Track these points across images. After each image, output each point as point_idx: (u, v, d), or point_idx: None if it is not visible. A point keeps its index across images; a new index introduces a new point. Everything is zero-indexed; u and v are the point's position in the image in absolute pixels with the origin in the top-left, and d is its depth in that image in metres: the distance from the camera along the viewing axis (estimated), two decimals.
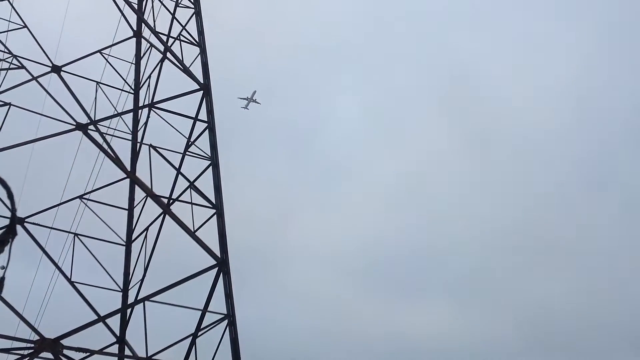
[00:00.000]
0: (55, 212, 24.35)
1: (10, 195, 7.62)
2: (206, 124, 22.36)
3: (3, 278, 8.60)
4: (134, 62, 27.43)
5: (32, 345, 17.34)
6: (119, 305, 23.16)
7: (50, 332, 17.87)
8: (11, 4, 24.96)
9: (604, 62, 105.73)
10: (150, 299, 18.70)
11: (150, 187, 21.15)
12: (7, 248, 7.86)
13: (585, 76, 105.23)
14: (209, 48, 24.02)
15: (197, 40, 24.01)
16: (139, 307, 19.33)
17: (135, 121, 26.34)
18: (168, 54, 23.42)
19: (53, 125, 22.10)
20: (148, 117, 24.43)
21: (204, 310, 18.85)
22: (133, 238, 24.77)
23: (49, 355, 17.23)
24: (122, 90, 26.86)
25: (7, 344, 18.01)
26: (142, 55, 27.34)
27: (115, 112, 24.55)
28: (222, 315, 18.95)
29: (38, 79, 22.75)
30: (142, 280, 21.24)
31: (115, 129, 25.74)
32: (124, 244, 24.90)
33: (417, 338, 78.70)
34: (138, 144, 25.33)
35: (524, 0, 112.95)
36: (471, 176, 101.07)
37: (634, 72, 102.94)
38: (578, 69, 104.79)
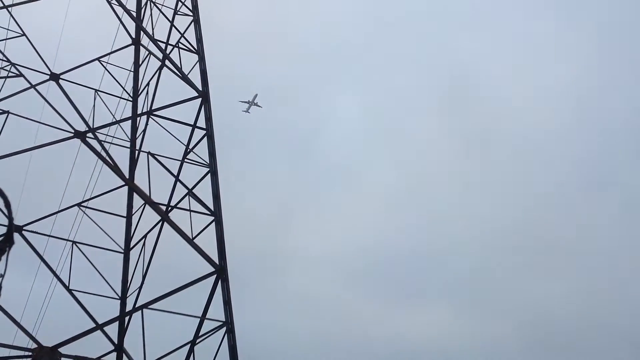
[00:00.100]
0: (54, 220, 24.33)
1: (7, 204, 7.62)
2: (205, 131, 22.37)
3: (0, 286, 8.58)
4: (132, 70, 27.48)
5: (30, 353, 17.31)
6: (117, 313, 23.10)
7: (48, 340, 17.84)
8: (10, 12, 25.02)
9: (603, 62, 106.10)
10: (149, 307, 18.66)
11: (148, 194, 21.14)
12: (4, 256, 7.85)
13: (585, 77, 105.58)
14: (209, 52, 24.10)
15: (196, 47, 24.06)
16: (137, 315, 19.29)
17: (134, 129, 26.37)
18: (167, 62, 23.46)
19: (51, 133, 22.13)
20: (146, 124, 24.44)
21: (203, 317, 18.80)
22: (131, 245, 24.74)
23: None
24: (120, 97, 26.91)
25: (5, 352, 17.97)
26: (140, 62, 27.40)
27: (114, 120, 24.59)
28: (221, 323, 18.90)
29: (36, 87, 22.79)
30: (140, 287, 21.19)
31: (113, 137, 25.78)
32: (122, 251, 24.87)
33: (417, 339, 78.65)
34: (136, 152, 25.33)
35: (523, 0, 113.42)
36: (471, 176, 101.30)
37: (633, 72, 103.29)
38: (578, 70, 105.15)
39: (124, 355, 22.06)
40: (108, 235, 24.46)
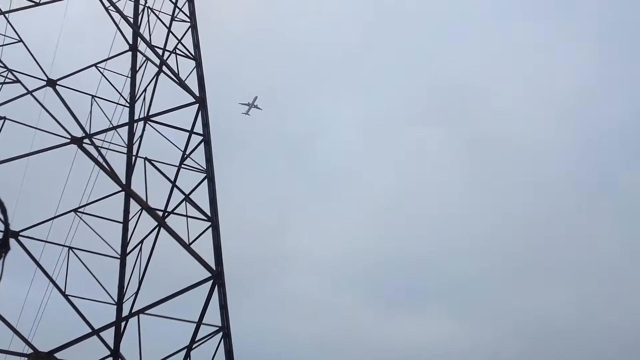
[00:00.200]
0: (50, 226, 24.34)
1: (3, 210, 7.66)
2: (202, 137, 22.43)
3: None
4: (129, 76, 27.55)
5: (26, 358, 17.27)
6: (113, 319, 23.08)
7: (44, 346, 17.80)
8: (6, 19, 25.09)
9: (600, 69, 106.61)
10: (145, 312, 18.65)
11: (145, 200, 21.17)
12: (0, 262, 7.88)
13: (581, 83, 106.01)
14: (207, 56, 24.17)
15: (193, 53, 24.13)
16: (133, 320, 19.28)
17: (131, 134, 26.41)
18: (164, 67, 23.53)
19: (48, 139, 22.16)
20: (143, 130, 24.52)
21: (199, 322, 18.80)
22: (128, 251, 24.74)
23: None
24: (117, 103, 26.96)
25: (1, 357, 17.93)
26: (137, 68, 27.46)
27: (111, 126, 24.63)
28: (217, 328, 18.91)
29: (33, 93, 22.83)
30: (136, 293, 21.19)
31: (110, 142, 25.81)
32: (119, 257, 24.88)
33: (415, 343, 78.64)
34: (133, 157, 25.37)
35: (520, 8, 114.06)
36: (469, 181, 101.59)
37: (630, 81, 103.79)
38: (574, 76, 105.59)
39: None
40: (104, 241, 24.48)
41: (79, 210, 24.94)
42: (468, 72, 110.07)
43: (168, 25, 24.42)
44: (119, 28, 26.66)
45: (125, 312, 23.26)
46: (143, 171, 21.89)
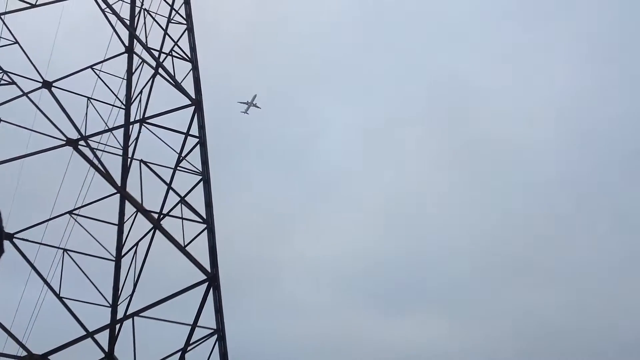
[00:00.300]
0: (45, 228, 24.29)
1: None
2: (198, 139, 22.42)
3: None
4: (125, 78, 27.52)
5: None
6: (108, 321, 23.02)
7: (38, 348, 17.77)
8: (2, 20, 25.05)
9: (598, 71, 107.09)
10: (140, 314, 18.62)
11: (140, 202, 21.14)
12: None
13: (580, 85, 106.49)
14: (205, 58, 24.20)
15: (190, 55, 24.14)
16: (128, 323, 19.24)
17: (126, 136, 26.37)
18: (160, 70, 23.52)
19: (44, 141, 22.13)
20: (139, 132, 24.48)
21: (194, 325, 18.77)
22: (123, 253, 24.69)
23: None
24: (113, 105, 26.93)
25: None
26: (133, 70, 27.45)
27: (107, 128, 24.61)
28: (212, 330, 18.88)
29: (29, 95, 22.80)
30: (131, 295, 21.14)
31: (106, 144, 25.78)
32: (114, 259, 24.82)
33: (411, 345, 78.64)
34: (129, 159, 25.34)
35: (515, 14, 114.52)
36: (468, 184, 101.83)
37: (629, 81, 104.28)
38: (572, 79, 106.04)
39: None
40: (99, 243, 24.43)
41: (74, 212, 24.88)
42: (468, 72, 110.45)
43: (164, 28, 24.42)
44: (115, 30, 26.66)
45: (120, 315, 23.20)
46: (139, 173, 21.87)
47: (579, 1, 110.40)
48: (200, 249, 20.15)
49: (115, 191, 23.13)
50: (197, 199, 21.46)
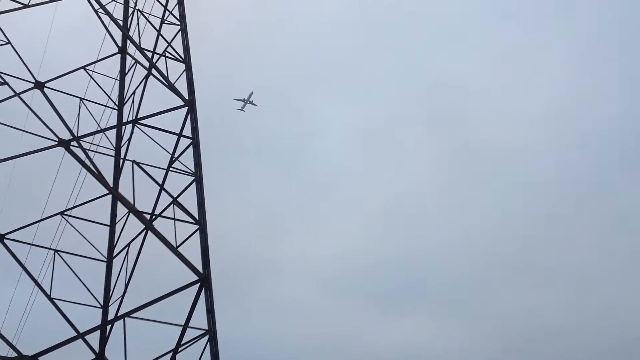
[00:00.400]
0: (36, 229, 24.16)
1: None
2: (191, 140, 22.37)
3: None
4: (118, 78, 27.46)
5: None
6: (99, 322, 22.91)
7: (28, 349, 17.64)
8: None
9: (593, 77, 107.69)
10: (131, 315, 18.53)
11: (133, 203, 21.06)
12: None
13: (574, 90, 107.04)
14: (204, 59, 24.16)
15: (183, 56, 24.10)
16: (119, 324, 19.14)
17: (119, 137, 26.30)
18: (153, 70, 23.48)
19: (35, 141, 22.03)
20: (132, 133, 24.40)
21: (185, 325, 18.70)
22: (114, 254, 24.59)
23: None
24: (105, 106, 26.84)
25: None
26: (126, 71, 27.39)
27: (99, 128, 24.52)
28: (204, 331, 18.82)
29: (21, 95, 22.70)
30: (122, 296, 21.04)
31: (98, 145, 25.70)
32: (105, 260, 24.72)
33: (402, 346, 78.62)
34: (121, 160, 25.26)
35: (515, 13, 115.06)
36: (463, 188, 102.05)
37: (623, 86, 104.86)
38: (571, 79, 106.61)
39: None
40: (91, 244, 24.32)
41: (65, 213, 24.77)
42: (468, 72, 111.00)
43: (158, 28, 24.38)
44: (108, 30, 26.61)
45: (111, 316, 23.09)
46: (131, 174, 21.79)
47: (579, 1, 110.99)
48: (193, 250, 20.12)
49: (107, 192, 23.04)
50: (189, 200, 21.43)
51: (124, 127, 25.90)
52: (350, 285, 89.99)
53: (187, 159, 22.19)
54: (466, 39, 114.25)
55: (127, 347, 19.14)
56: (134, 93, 25.39)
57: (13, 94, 22.68)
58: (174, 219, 20.73)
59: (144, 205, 21.32)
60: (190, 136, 22.47)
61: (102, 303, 23.70)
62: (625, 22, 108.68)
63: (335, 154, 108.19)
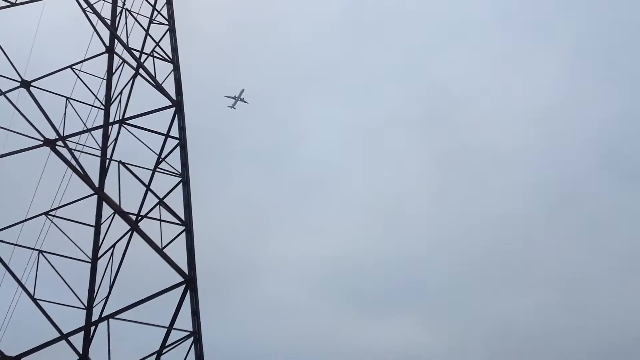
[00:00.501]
0: (20, 229, 23.96)
1: None
2: (178, 141, 22.29)
3: None
4: (105, 78, 27.30)
5: None
6: (83, 323, 22.72)
7: (11, 350, 17.46)
8: None
9: (570, 86, 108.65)
10: (115, 317, 18.40)
11: (118, 203, 20.93)
12: None
13: (574, 90, 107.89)
14: (193, 60, 24.09)
15: (171, 56, 24.02)
16: (103, 325, 19.01)
17: (105, 137, 26.14)
18: (140, 70, 23.37)
19: (21, 141, 21.84)
20: (118, 133, 24.28)
21: (170, 327, 18.60)
22: (99, 255, 24.42)
23: None
24: (92, 106, 26.67)
25: None
26: (114, 71, 27.24)
27: (85, 128, 24.34)
28: (188, 333, 18.72)
29: (6, 94, 22.50)
30: (107, 297, 20.90)
31: (84, 145, 25.52)
32: (90, 261, 24.53)
33: (389, 347, 78.75)
34: (107, 160, 25.11)
35: (510, 19, 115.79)
36: (445, 190, 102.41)
37: (617, 90, 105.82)
38: (566, 84, 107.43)
39: None
40: (76, 245, 24.14)
41: (50, 213, 24.58)
42: (468, 72, 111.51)
43: (146, 28, 24.28)
44: (95, 30, 26.45)
45: (95, 317, 22.92)
46: (117, 174, 21.66)
47: (579, 1, 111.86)
48: (179, 251, 20.03)
49: (93, 192, 22.86)
50: (176, 201, 21.35)
51: (110, 127, 25.75)
52: (340, 285, 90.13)
53: (174, 160, 22.13)
54: (466, 39, 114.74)
55: (111, 348, 19.01)
56: (121, 93, 25.27)
57: None
58: (160, 220, 20.63)
59: (130, 206, 21.22)
60: (178, 137, 22.39)
61: (86, 304, 23.52)
62: (625, 23, 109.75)
63: (326, 154, 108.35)
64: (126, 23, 25.16)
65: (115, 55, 27.05)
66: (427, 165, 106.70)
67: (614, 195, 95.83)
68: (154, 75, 23.20)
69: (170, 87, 23.18)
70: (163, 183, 21.65)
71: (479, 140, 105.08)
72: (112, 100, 26.75)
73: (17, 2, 25.53)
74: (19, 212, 24.86)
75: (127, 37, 24.56)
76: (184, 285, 18.97)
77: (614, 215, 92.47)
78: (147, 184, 21.47)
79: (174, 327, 18.58)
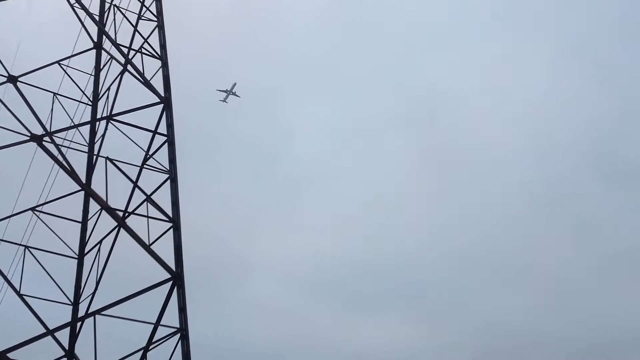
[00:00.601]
0: (6, 224, 23.88)
1: None
2: (166, 138, 22.28)
3: None
4: (93, 74, 27.21)
5: None
6: (69, 319, 22.71)
7: None
8: None
9: (561, 86, 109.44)
10: (101, 313, 18.42)
11: (105, 200, 20.92)
12: None
13: (574, 90, 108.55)
14: (182, 57, 24.07)
15: (159, 53, 23.98)
16: (89, 321, 19.00)
17: (93, 133, 26.06)
18: (128, 67, 23.33)
19: (7, 136, 21.76)
20: (106, 129, 24.21)
21: (157, 323, 18.65)
22: (86, 251, 24.38)
23: None
24: (80, 102, 26.58)
25: None
26: (102, 67, 27.15)
27: (72, 124, 24.28)
28: (175, 329, 18.78)
29: None
30: (93, 293, 20.90)
31: (71, 141, 25.42)
32: (77, 257, 24.49)
33: (374, 346, 79.02)
34: (94, 156, 25.05)
35: (510, 19, 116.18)
36: (432, 190, 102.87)
37: (617, 90, 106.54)
38: (566, 84, 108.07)
39: None
40: (62, 241, 24.09)
41: (37, 208, 24.50)
42: (467, 72, 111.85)
43: (134, 24, 24.24)
44: (83, 25, 26.35)
45: (81, 313, 22.89)
46: (104, 171, 21.64)
47: (579, 1, 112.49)
48: (166, 248, 20.05)
49: (80, 188, 22.84)
50: (163, 198, 21.35)
51: (98, 123, 25.68)
52: (327, 284, 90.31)
53: (162, 157, 22.12)
54: (466, 39, 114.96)
55: (98, 344, 19.02)
56: (108, 89, 25.19)
57: None
58: (147, 217, 20.65)
59: (117, 202, 21.21)
60: (166, 133, 22.38)
61: (72, 300, 23.49)
62: (625, 23, 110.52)
63: (319, 151, 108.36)
64: (114, 19, 25.12)
65: (103, 51, 26.96)
66: (422, 164, 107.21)
67: (614, 195, 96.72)
68: (142, 71, 23.18)
69: (158, 83, 23.17)
70: (151, 180, 21.65)
71: (478, 140, 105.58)
72: (100, 96, 26.67)
73: None
74: (5, 208, 24.78)
75: (115, 33, 24.52)
76: (171, 281, 19.02)
77: (614, 215, 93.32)
78: (134, 180, 21.46)
79: (161, 323, 18.62)
